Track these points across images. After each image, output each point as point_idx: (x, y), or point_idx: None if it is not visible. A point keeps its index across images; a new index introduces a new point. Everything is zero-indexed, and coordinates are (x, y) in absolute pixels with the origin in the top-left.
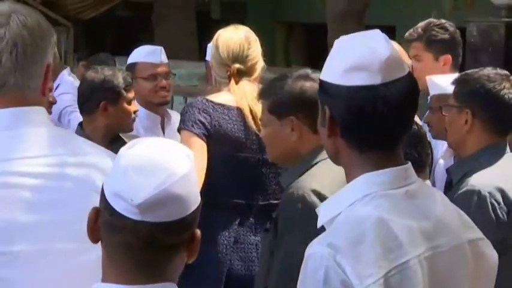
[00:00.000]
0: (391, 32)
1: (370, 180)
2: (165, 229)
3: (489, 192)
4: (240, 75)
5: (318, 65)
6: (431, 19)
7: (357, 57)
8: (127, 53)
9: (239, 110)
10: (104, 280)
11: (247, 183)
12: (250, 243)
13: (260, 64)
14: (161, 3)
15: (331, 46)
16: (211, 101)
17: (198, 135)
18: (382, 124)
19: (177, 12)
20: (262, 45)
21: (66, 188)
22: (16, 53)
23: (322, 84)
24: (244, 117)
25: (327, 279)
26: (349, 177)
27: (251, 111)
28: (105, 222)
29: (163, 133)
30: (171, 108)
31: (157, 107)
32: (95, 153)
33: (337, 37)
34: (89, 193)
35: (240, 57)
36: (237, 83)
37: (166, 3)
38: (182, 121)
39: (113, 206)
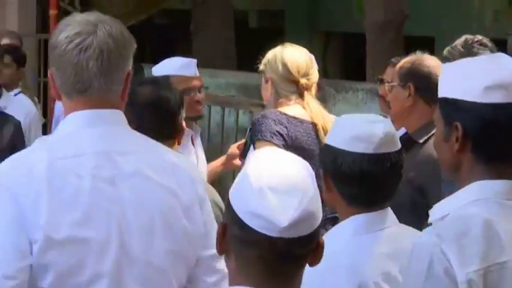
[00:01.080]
0: (429, 43)
1: (485, 187)
2: (301, 242)
3: None
4: (307, 90)
5: (354, 75)
6: (466, 36)
7: (496, 77)
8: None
9: (312, 124)
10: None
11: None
12: None
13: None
14: (199, 11)
15: (370, 57)
16: (285, 114)
17: (278, 146)
18: None
19: (215, 21)
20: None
21: (147, 186)
22: (102, 59)
23: (451, 102)
24: (317, 131)
25: (431, 266)
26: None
27: (323, 127)
28: (235, 236)
29: (193, 146)
30: (209, 118)
31: (189, 120)
32: (171, 152)
33: (376, 48)
34: (167, 195)
35: (306, 73)
36: (307, 96)
37: (205, 11)
38: (259, 132)
39: (248, 224)
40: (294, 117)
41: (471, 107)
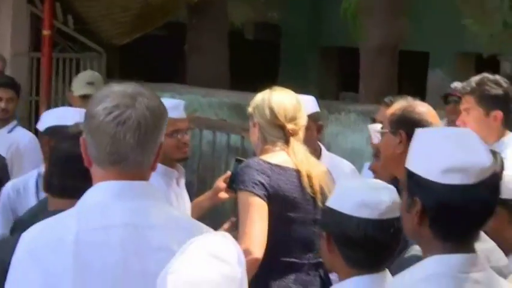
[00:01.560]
0: (424, 58)
1: (440, 261)
2: None
3: None
4: (293, 135)
5: (348, 89)
6: (485, 74)
7: (456, 160)
8: (160, 79)
9: (295, 172)
10: None
11: (301, 242)
12: None
13: (304, 124)
14: (194, 25)
15: (364, 78)
16: (268, 162)
17: (259, 196)
18: (472, 219)
19: (210, 39)
20: (294, 67)
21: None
22: (139, 132)
23: (413, 175)
24: (300, 178)
25: None
26: (424, 256)
27: (307, 173)
28: None
29: (178, 186)
30: (200, 145)
31: (174, 162)
32: (198, 227)
33: (371, 70)
34: None
35: (294, 118)
36: (293, 141)
37: (200, 27)
38: (241, 182)
39: None
40: (277, 165)
41: (430, 185)
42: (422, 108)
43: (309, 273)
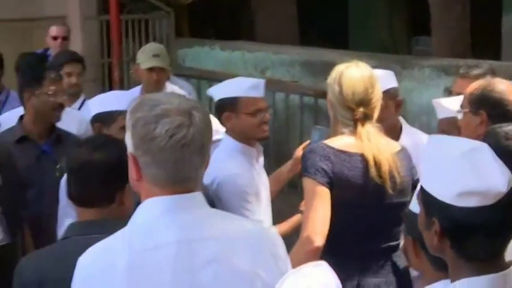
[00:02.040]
0: (497, 2)
1: (468, 286)
2: None
3: None
4: (365, 119)
5: (420, 35)
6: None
7: (470, 183)
8: (229, 37)
9: (361, 157)
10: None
11: (369, 230)
12: (373, 284)
13: (380, 102)
14: None
15: (435, 32)
16: (332, 147)
17: (321, 184)
18: (494, 238)
19: None
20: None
21: (227, 272)
22: (202, 150)
23: (429, 196)
24: (367, 165)
25: None
26: (453, 279)
27: (375, 159)
28: None
29: (258, 164)
30: (273, 107)
31: (255, 141)
32: (250, 228)
33: (442, 23)
34: (248, 279)
35: (365, 101)
36: (362, 126)
37: None
38: (304, 168)
39: None
40: (341, 151)
41: (446, 207)
42: (502, 86)
43: (377, 261)
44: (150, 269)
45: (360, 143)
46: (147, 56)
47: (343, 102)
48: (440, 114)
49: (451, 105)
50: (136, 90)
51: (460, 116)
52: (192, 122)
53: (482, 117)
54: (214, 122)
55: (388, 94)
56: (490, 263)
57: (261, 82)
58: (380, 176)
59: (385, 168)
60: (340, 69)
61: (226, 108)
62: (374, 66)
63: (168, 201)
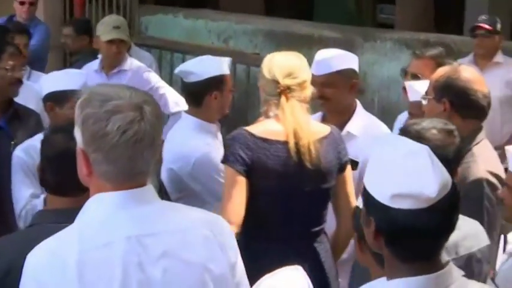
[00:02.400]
0: None
1: (402, 286)
2: None
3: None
4: (290, 91)
5: (384, 3)
6: None
7: (404, 186)
8: (193, 5)
9: (282, 143)
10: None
11: (291, 215)
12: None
13: (310, 88)
14: None
15: (399, 3)
16: (253, 134)
17: (239, 172)
18: (429, 240)
19: None
20: None
21: (177, 267)
22: (153, 145)
23: (369, 196)
24: (287, 151)
25: None
26: (388, 277)
27: (296, 140)
28: None
29: (217, 139)
30: (234, 79)
31: (216, 118)
32: (200, 219)
33: None
34: (197, 272)
35: (291, 73)
36: (287, 99)
37: None
38: (225, 155)
39: None
40: (262, 138)
41: (381, 208)
42: (468, 74)
43: (299, 245)
44: (101, 265)
45: (282, 123)
46: (107, 28)
47: (269, 78)
48: (411, 97)
49: (422, 89)
50: (95, 63)
51: (424, 102)
52: (143, 116)
53: (445, 106)
54: (174, 94)
55: (342, 74)
56: (424, 264)
57: (228, 60)
58: (298, 162)
59: (305, 151)
60: (270, 55)
61: (213, 87)
62: (336, 38)
63: (119, 197)
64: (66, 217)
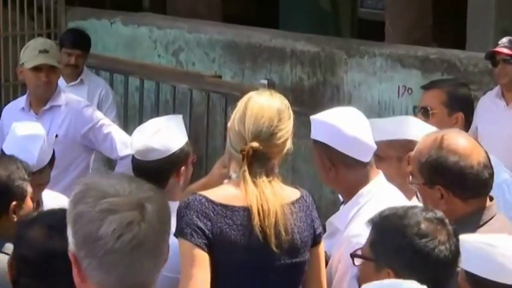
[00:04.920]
0: None
1: None
2: None
3: None
4: (254, 157)
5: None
6: None
7: None
8: (131, 8)
9: (246, 211)
10: None
11: None
12: None
13: (287, 145)
14: None
15: (390, 10)
16: (211, 201)
17: (199, 246)
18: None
19: None
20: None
21: None
22: (156, 251)
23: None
24: (251, 220)
25: None
26: None
27: (260, 212)
28: None
29: None
30: (190, 109)
31: None
32: None
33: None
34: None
35: (263, 133)
36: (250, 166)
37: None
38: (179, 228)
39: None
40: (222, 205)
41: None
42: (456, 146)
43: None
44: None
45: (244, 190)
46: (31, 54)
47: (238, 131)
48: (377, 136)
49: (388, 127)
50: (21, 101)
51: (414, 188)
52: (143, 217)
53: (441, 192)
54: (121, 134)
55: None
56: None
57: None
58: (264, 232)
59: (270, 221)
60: (250, 94)
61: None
62: (314, 53)
63: None
64: None
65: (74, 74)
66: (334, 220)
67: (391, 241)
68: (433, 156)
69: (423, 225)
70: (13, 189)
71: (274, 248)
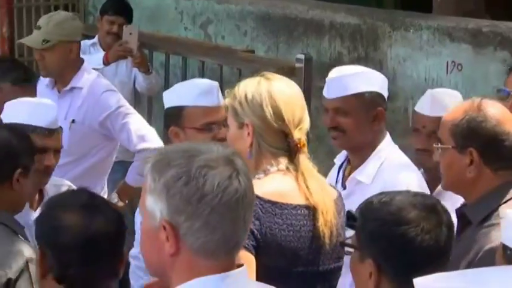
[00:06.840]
0: None
1: None
2: None
3: None
4: (300, 148)
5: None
6: None
7: None
8: None
9: (302, 209)
10: None
11: None
12: None
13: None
14: None
15: None
16: (259, 197)
17: (246, 249)
18: None
19: None
20: None
21: None
22: (252, 204)
23: None
24: (308, 219)
25: None
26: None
27: (323, 211)
28: None
29: None
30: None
31: None
32: None
33: None
34: None
35: (301, 120)
36: (298, 160)
37: None
38: None
39: None
40: (271, 202)
41: None
42: (494, 113)
43: None
44: None
45: (303, 186)
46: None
47: (275, 126)
48: (431, 110)
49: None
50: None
51: (438, 152)
52: (238, 171)
53: (472, 157)
54: (140, 124)
55: (362, 99)
56: None
57: (214, 86)
58: (320, 233)
59: (328, 221)
60: (261, 84)
61: (171, 120)
62: (354, 26)
63: (218, 284)
64: None
65: (114, 43)
66: (357, 175)
67: (370, 229)
68: (470, 117)
69: (405, 212)
70: (19, 156)
71: (322, 250)
